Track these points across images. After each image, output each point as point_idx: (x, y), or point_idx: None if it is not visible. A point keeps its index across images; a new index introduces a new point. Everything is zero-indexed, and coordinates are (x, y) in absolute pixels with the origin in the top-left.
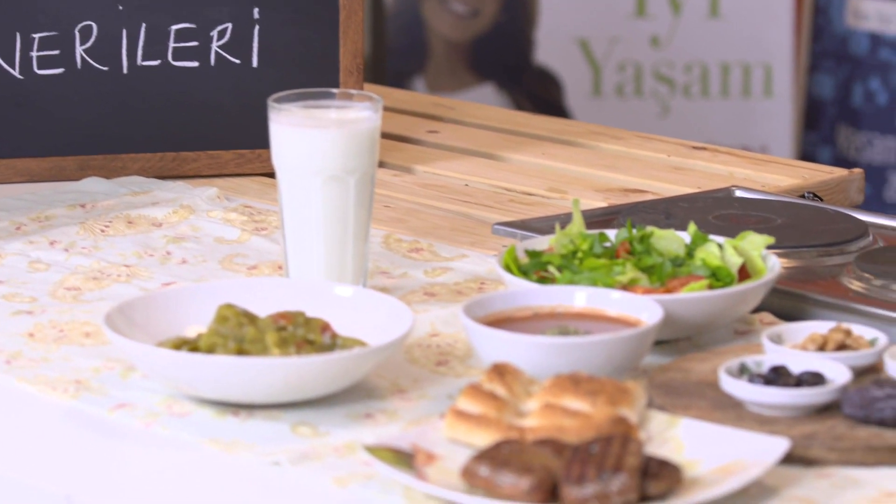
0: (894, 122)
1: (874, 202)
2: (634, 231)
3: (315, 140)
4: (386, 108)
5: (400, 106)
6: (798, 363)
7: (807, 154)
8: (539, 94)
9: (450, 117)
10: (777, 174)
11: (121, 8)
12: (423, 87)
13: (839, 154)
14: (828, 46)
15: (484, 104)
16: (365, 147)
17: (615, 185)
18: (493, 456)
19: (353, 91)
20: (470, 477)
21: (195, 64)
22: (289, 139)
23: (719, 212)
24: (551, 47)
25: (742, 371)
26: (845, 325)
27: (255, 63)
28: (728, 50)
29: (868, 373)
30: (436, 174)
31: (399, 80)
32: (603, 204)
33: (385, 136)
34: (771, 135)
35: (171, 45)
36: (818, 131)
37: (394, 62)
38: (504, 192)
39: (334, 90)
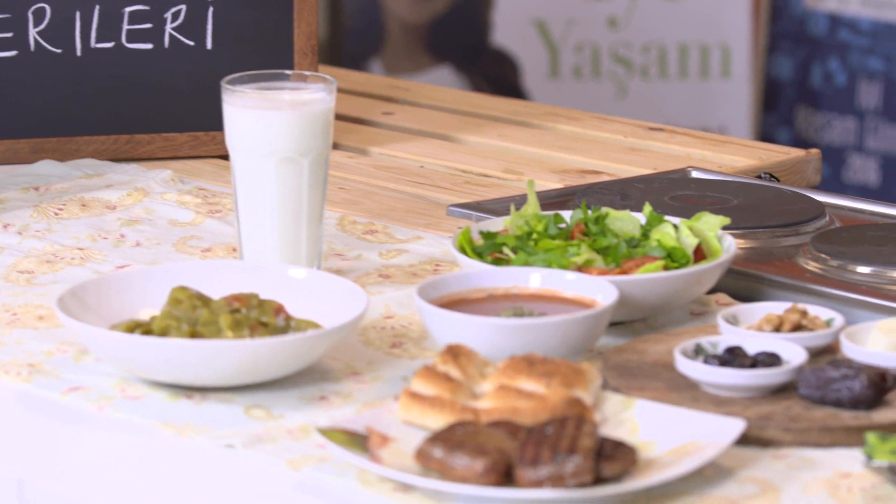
0: (853, 103)
1: (833, 183)
2: (589, 212)
3: (268, 122)
4: (341, 90)
5: (355, 88)
6: (754, 344)
7: (765, 135)
8: (496, 75)
9: (405, 99)
10: (734, 155)
11: None
12: (380, 69)
13: (798, 135)
14: (786, 27)
15: (440, 86)
16: (319, 129)
17: (571, 167)
18: (448, 438)
19: (307, 73)
20: (424, 459)
21: (149, 46)
22: (242, 121)
23: (675, 193)
24: (508, 29)
25: (697, 352)
26: (801, 306)
27: (209, 45)
28: (686, 31)
29: (824, 353)
30: (391, 156)
31: (356, 62)
32: (559, 185)
33: (340, 117)
34: (729, 116)
35: (125, 27)
36: (777, 112)
37: (350, 44)
38: (459, 174)
39: (288, 72)
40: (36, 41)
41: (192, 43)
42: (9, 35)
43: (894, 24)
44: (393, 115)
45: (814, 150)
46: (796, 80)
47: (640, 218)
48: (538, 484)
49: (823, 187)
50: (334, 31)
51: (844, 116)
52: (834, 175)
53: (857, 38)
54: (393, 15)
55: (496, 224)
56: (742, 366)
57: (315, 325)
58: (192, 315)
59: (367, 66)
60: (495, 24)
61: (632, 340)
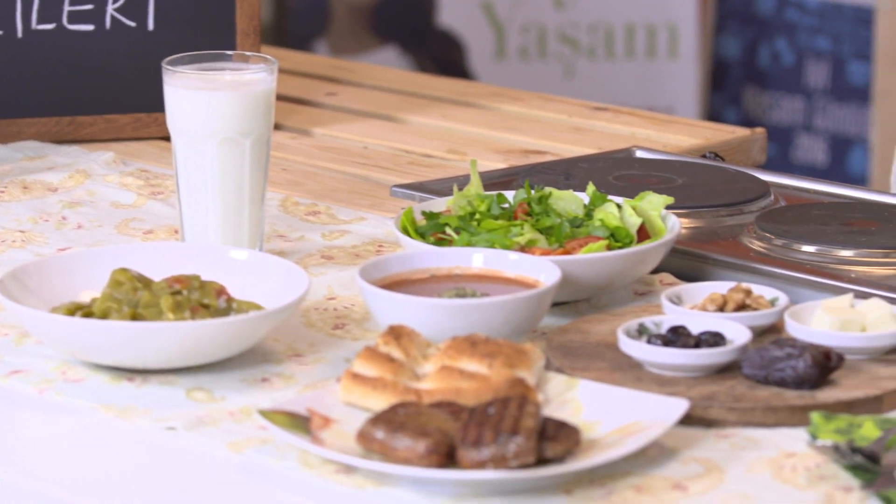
0: (800, 83)
1: (781, 163)
2: (533, 192)
3: (209, 102)
4: (284, 71)
5: (299, 68)
6: (697, 324)
7: (713, 115)
8: (442, 56)
9: (349, 80)
10: (679, 134)
11: None
12: (326, 50)
13: (746, 115)
14: (733, 7)
15: (386, 67)
16: (260, 109)
17: (515, 147)
18: (390, 419)
19: (248, 53)
20: (366, 441)
21: (90, 27)
22: (183, 102)
23: (619, 172)
24: (454, 9)
25: (641, 332)
26: (745, 285)
27: (150, 26)
28: (633, 11)
29: (768, 333)
30: (334, 137)
31: (301, 43)
32: (502, 165)
33: (283, 98)
34: (677, 96)
35: (66, 8)
36: (725, 92)
37: (295, 25)
38: (403, 154)
39: (230, 52)
40: None
41: (133, 24)
42: None
43: (841, 3)
44: (336, 95)
45: (759, 130)
46: (744, 60)
47: (584, 198)
48: (480, 465)
49: (772, 167)
50: (279, 12)
51: (792, 96)
52: (782, 155)
53: (805, 17)
54: None
55: (439, 204)
56: (686, 345)
57: (257, 307)
58: (132, 297)
59: (312, 46)
60: (441, 4)
61: (575, 321)
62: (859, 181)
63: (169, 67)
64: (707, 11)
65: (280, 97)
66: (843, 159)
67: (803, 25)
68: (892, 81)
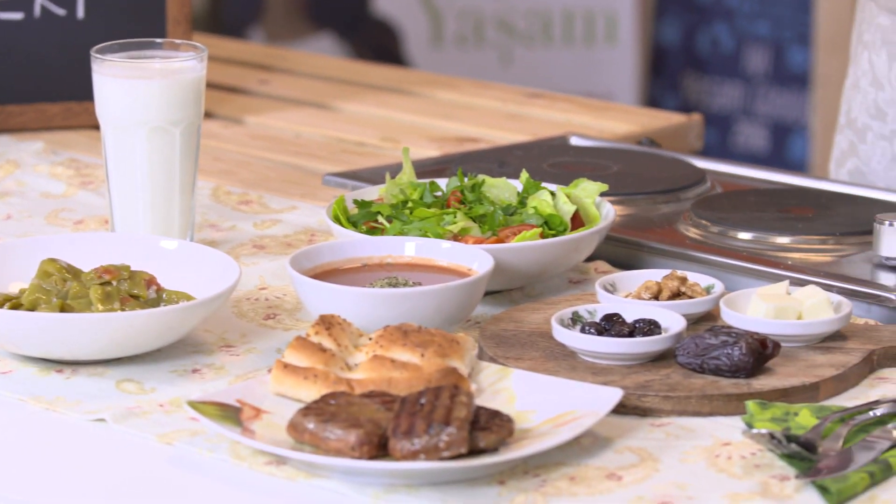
0: (741, 69)
1: (721, 149)
2: (466, 180)
3: (138, 91)
4: (217, 59)
5: (232, 56)
6: (632, 312)
7: (653, 101)
8: (379, 43)
9: (282, 67)
10: (615, 121)
11: None
12: (262, 36)
13: (685, 101)
14: None
15: (323, 54)
16: (190, 98)
17: (450, 135)
18: (321, 410)
19: (178, 41)
20: (296, 432)
21: (19, 16)
22: (112, 91)
23: (554, 160)
24: None
25: (575, 320)
26: (680, 273)
27: (80, 14)
28: None
29: (704, 320)
30: (266, 125)
31: (236, 30)
32: (436, 153)
33: (215, 86)
34: (616, 82)
35: None
36: (664, 78)
37: (230, 12)
38: (336, 143)
39: (159, 40)
40: None
41: (63, 12)
42: None
43: None
44: (269, 83)
45: (695, 116)
46: (683, 46)
47: (517, 185)
48: (412, 456)
49: (712, 153)
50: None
51: (732, 82)
52: (722, 141)
53: (744, 3)
54: None
55: (371, 193)
56: (620, 334)
57: (187, 297)
58: (61, 288)
59: (247, 33)
60: None
61: (509, 309)
62: (800, 167)
63: (98, 56)
64: None
65: (212, 85)
66: (784, 145)
67: (743, 11)
68: (832, 67)
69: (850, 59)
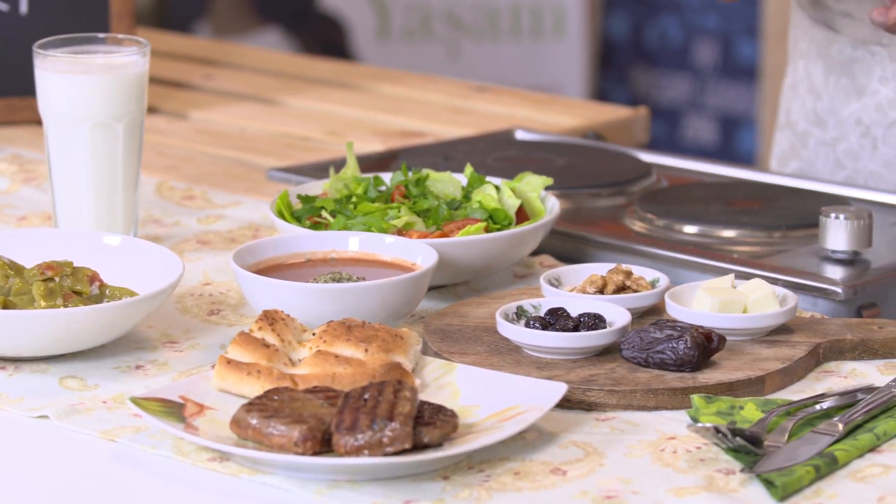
0: (689, 61)
1: (668, 142)
2: (410, 174)
3: (80, 86)
4: (162, 54)
5: (176, 51)
6: (577, 306)
7: (602, 94)
8: (326, 38)
9: (227, 62)
10: (561, 115)
11: None
12: (209, 31)
13: (634, 94)
14: None
15: (270, 48)
16: (133, 93)
17: (395, 129)
18: (264, 406)
19: (121, 36)
20: (239, 428)
21: None
22: (54, 86)
23: (499, 154)
24: None
25: (520, 315)
26: (625, 266)
27: (23, 9)
28: None
29: (649, 314)
30: (211, 120)
31: (183, 24)
32: (381, 147)
33: (160, 81)
34: (564, 75)
35: None
36: (612, 72)
37: (177, 6)
38: (281, 137)
39: (102, 35)
40: None
41: (5, 7)
42: None
43: None
44: (214, 78)
45: (641, 109)
46: (631, 39)
47: (462, 179)
48: (356, 451)
49: (661, 147)
50: None
51: (680, 75)
52: (671, 134)
53: None
54: None
55: (315, 187)
56: (564, 328)
57: (130, 293)
58: (4, 284)
59: (194, 28)
60: None
61: (453, 304)
62: (748, 160)
63: (40, 51)
64: None
65: (157, 80)
66: (733, 138)
67: (691, 4)
68: (780, 59)
69: (789, 60)
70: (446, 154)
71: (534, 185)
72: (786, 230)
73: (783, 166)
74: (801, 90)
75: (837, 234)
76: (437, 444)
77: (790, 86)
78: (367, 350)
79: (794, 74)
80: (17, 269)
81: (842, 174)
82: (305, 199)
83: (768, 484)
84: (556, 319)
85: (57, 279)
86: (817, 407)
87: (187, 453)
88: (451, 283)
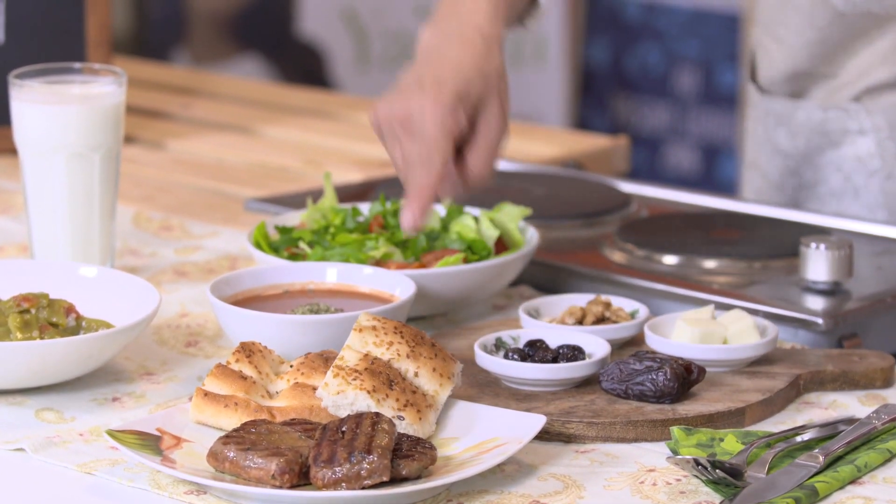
0: (670, 90)
1: (649, 170)
2: (388, 204)
3: (56, 116)
4: (139, 83)
5: (153, 79)
6: (556, 337)
7: (582, 122)
8: (304, 66)
9: (204, 91)
10: (540, 144)
11: None
12: (188, 58)
13: (615, 122)
14: (601, 14)
15: (242, 76)
16: (109, 123)
17: (373, 159)
18: (241, 438)
19: (97, 66)
20: (216, 460)
21: None
22: (29, 116)
23: None
24: (316, 18)
25: (498, 346)
26: (605, 297)
27: (0, 38)
28: None
29: (628, 345)
30: (188, 150)
31: (161, 51)
32: (359, 177)
33: (137, 111)
34: (544, 103)
35: None
36: (593, 100)
37: (154, 35)
38: (258, 167)
39: (78, 65)
40: None
41: None
42: None
43: (710, 10)
44: (191, 107)
45: (621, 138)
46: (612, 67)
47: (440, 210)
48: (334, 484)
49: (641, 175)
50: (139, 21)
51: (661, 102)
52: (651, 162)
53: (673, 23)
54: (199, 4)
55: (293, 218)
56: (543, 360)
57: (107, 325)
58: None
59: (172, 55)
60: (302, 13)
61: (432, 335)
62: (730, 188)
63: (16, 81)
64: (575, 18)
65: (134, 109)
66: (714, 166)
67: (671, 31)
68: None
69: (746, 110)
70: None
71: (512, 216)
72: (766, 260)
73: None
74: (766, 149)
75: (818, 264)
76: (416, 477)
77: (751, 130)
78: None
79: (753, 134)
80: None
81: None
82: (283, 230)
83: None
84: (534, 351)
85: (33, 311)
86: (798, 439)
87: (164, 486)
88: (429, 314)
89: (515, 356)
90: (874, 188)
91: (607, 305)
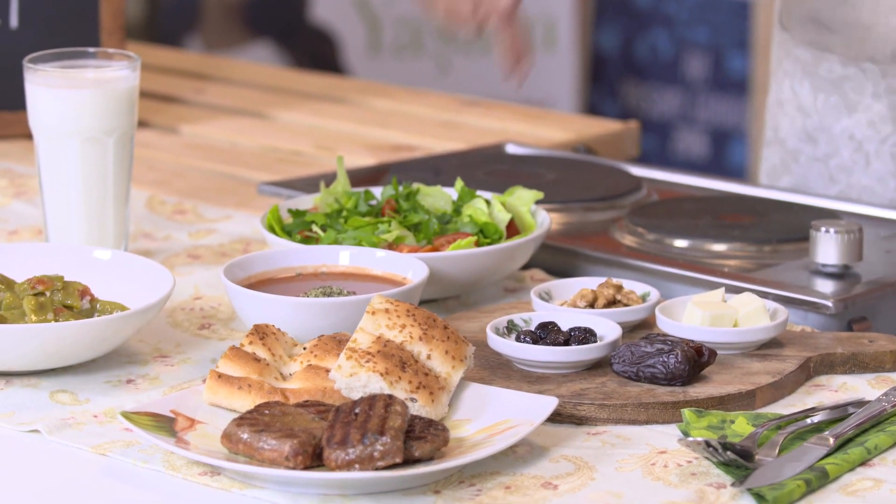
0: (680, 75)
1: (659, 155)
2: (400, 188)
3: (71, 101)
4: (153, 68)
5: (167, 65)
6: (567, 320)
7: (593, 108)
8: (316, 51)
9: (218, 76)
10: (551, 129)
11: None
12: (200, 45)
13: (625, 108)
14: (611, 0)
15: (253, 62)
16: (123, 107)
17: (385, 143)
18: (255, 420)
19: (111, 50)
20: (230, 442)
21: None
22: (44, 100)
23: (490, 168)
24: (329, 4)
25: (510, 329)
26: (616, 281)
27: (13, 24)
28: None
29: (640, 328)
30: (202, 134)
31: (173, 38)
32: (372, 161)
33: (151, 96)
34: (555, 89)
35: None
36: (603, 85)
37: (167, 21)
38: (271, 152)
39: (92, 49)
40: None
41: None
42: None
43: None
44: (204, 92)
45: (631, 123)
46: (622, 53)
47: (452, 193)
48: (347, 466)
49: (651, 160)
50: (151, 7)
51: (670, 88)
52: (661, 148)
53: (683, 9)
54: None
55: (305, 202)
56: (555, 342)
57: (121, 307)
58: None
59: (184, 42)
60: None
61: (444, 318)
62: (739, 174)
63: (30, 65)
64: (584, 4)
65: (147, 94)
66: (723, 152)
67: (681, 17)
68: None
69: (771, 75)
70: (437, 168)
71: (524, 200)
72: (776, 244)
73: (774, 181)
74: (788, 108)
75: (828, 247)
76: (428, 459)
77: (776, 102)
78: None
79: (780, 92)
80: (8, 284)
81: (834, 189)
82: (296, 214)
83: (759, 498)
84: (546, 333)
85: (48, 293)
86: (808, 421)
87: (178, 468)
88: (441, 297)
89: (527, 339)
90: (885, 154)
91: (618, 288)
